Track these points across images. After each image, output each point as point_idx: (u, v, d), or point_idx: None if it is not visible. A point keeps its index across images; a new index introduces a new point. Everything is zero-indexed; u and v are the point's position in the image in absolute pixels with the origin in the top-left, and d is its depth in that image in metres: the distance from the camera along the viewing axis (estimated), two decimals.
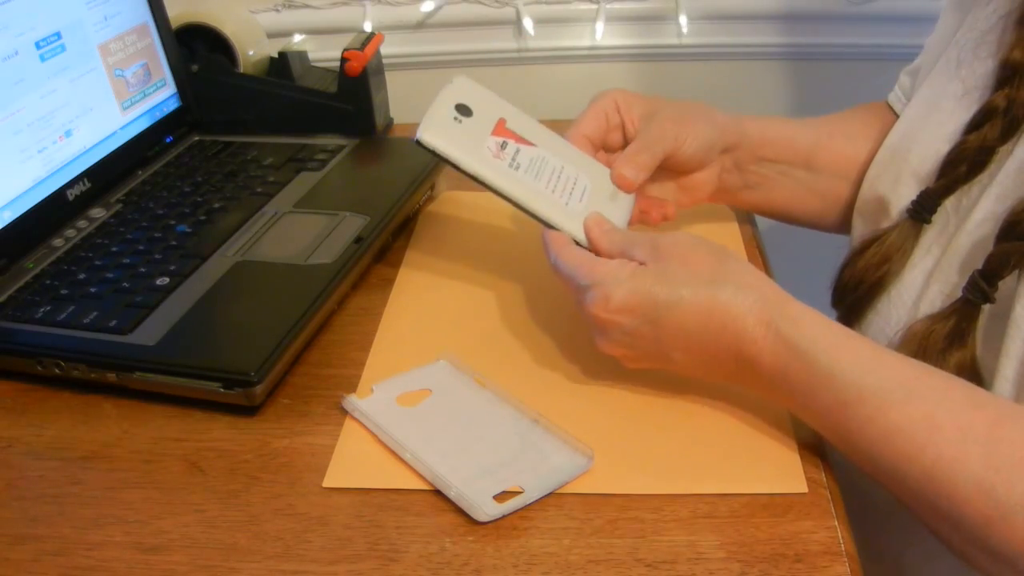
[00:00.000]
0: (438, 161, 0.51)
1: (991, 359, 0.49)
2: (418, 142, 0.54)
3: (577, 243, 0.54)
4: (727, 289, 0.47)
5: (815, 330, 0.46)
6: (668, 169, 0.64)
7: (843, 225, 0.68)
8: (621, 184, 0.59)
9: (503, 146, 0.56)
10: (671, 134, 0.61)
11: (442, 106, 0.57)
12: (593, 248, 0.54)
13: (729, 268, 0.48)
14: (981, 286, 0.49)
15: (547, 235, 0.54)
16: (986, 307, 0.50)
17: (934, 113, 0.59)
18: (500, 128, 0.57)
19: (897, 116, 0.64)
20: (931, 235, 0.57)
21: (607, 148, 0.64)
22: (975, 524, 0.41)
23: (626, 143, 0.63)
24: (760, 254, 0.70)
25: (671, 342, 0.49)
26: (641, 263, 0.50)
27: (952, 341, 0.50)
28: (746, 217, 0.74)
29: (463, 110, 0.57)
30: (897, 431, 0.43)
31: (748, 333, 0.47)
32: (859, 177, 0.64)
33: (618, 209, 0.58)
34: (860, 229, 0.64)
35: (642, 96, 0.64)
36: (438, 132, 0.55)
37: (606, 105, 0.63)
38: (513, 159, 0.56)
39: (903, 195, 0.59)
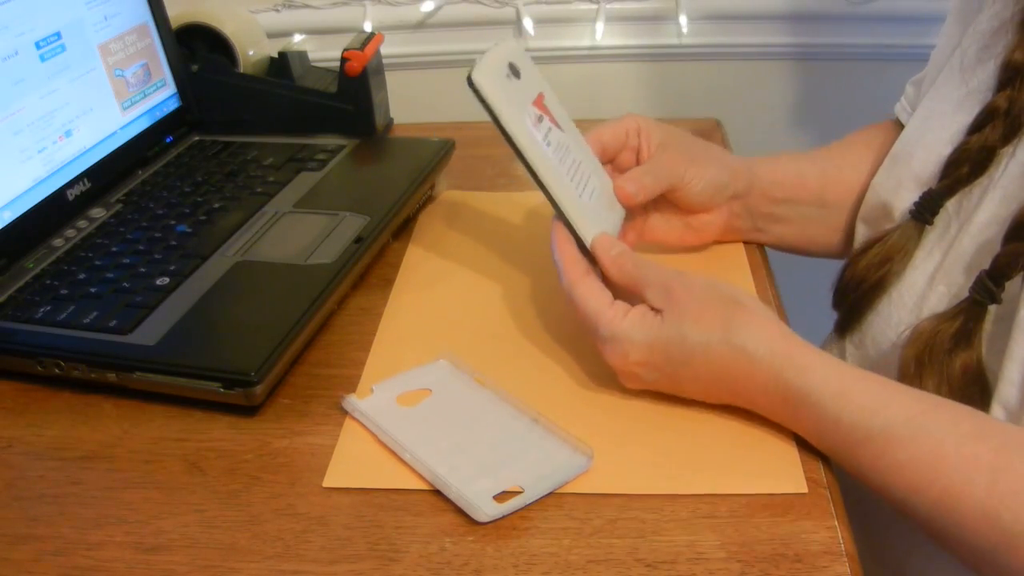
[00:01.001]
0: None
1: (995, 363, 0.49)
2: (469, 80, 0.51)
3: (577, 240, 0.54)
4: (737, 346, 0.48)
5: (823, 377, 0.47)
6: (675, 206, 0.65)
7: None
8: (621, 196, 0.60)
9: (539, 119, 0.55)
10: (680, 169, 0.62)
11: (497, 57, 0.53)
12: (602, 271, 0.54)
13: (740, 321, 0.49)
14: (988, 286, 0.50)
15: (561, 258, 0.54)
16: (992, 310, 0.50)
17: (936, 118, 0.59)
18: (539, 101, 0.56)
19: (902, 127, 0.64)
20: (933, 237, 0.57)
21: (617, 166, 0.64)
22: (984, 549, 0.42)
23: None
24: (760, 253, 0.70)
25: (688, 388, 0.52)
26: (655, 310, 0.51)
27: (958, 341, 0.50)
28: None
29: (514, 70, 0.54)
30: (905, 466, 0.44)
31: (758, 387, 0.49)
32: None
33: (611, 221, 0.58)
34: (863, 234, 0.64)
35: (664, 126, 0.64)
36: (491, 79, 0.52)
37: (628, 125, 0.63)
38: (546, 136, 0.54)
39: (905, 199, 0.59)
